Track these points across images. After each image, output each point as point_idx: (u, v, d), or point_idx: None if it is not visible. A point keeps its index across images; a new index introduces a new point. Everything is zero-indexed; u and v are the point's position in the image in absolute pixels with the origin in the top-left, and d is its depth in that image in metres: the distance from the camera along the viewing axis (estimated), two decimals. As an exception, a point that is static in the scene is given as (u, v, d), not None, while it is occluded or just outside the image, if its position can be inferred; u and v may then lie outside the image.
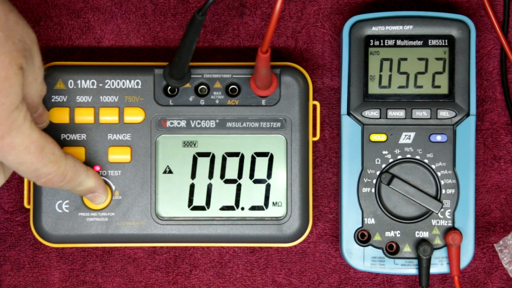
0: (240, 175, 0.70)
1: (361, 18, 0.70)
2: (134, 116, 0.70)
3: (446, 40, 0.70)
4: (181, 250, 0.74)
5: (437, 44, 0.70)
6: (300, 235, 0.71)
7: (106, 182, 0.70)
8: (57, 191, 0.70)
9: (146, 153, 0.70)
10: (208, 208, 0.70)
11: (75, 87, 0.70)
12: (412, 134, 0.70)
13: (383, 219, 0.70)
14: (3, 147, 0.55)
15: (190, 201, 0.70)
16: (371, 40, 0.70)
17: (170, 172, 0.70)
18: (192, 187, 0.70)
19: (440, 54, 0.70)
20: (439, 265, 0.70)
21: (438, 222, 0.70)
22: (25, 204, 0.70)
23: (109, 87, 0.70)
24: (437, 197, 0.70)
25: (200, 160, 0.70)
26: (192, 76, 0.70)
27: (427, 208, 0.70)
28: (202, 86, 0.70)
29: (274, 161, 0.70)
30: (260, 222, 0.70)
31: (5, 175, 0.64)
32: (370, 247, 0.70)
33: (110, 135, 0.70)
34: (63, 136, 0.70)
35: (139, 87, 0.70)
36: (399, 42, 0.70)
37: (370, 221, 0.70)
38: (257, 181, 0.70)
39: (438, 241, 0.70)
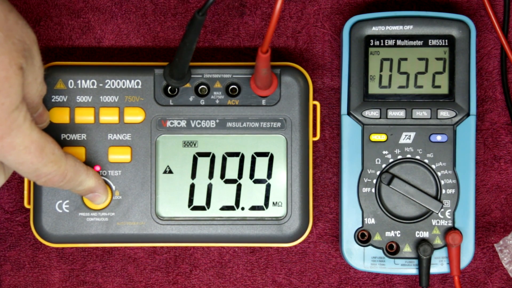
0: (240, 175, 0.70)
1: (361, 18, 0.70)
2: (134, 116, 0.70)
3: (446, 40, 0.70)
4: (181, 250, 0.74)
5: (437, 44, 0.70)
6: (300, 235, 0.71)
7: (106, 182, 0.70)
8: (57, 191, 0.70)
9: (146, 153, 0.70)
10: (208, 208, 0.70)
11: (75, 87, 0.70)
12: (412, 134, 0.70)
13: (383, 219, 0.70)
14: (3, 147, 0.55)
15: (190, 201, 0.70)
16: (371, 40, 0.70)
17: (170, 172, 0.70)
18: (192, 187, 0.70)
19: (440, 54, 0.70)
20: (439, 265, 0.70)
21: (438, 222, 0.70)
22: (25, 204, 0.70)
23: (109, 87, 0.70)
24: (437, 197, 0.70)
25: (200, 160, 0.70)
26: (192, 76, 0.70)
27: (427, 208, 0.70)
28: (202, 86, 0.70)
29: (274, 161, 0.70)
30: (260, 222, 0.70)
31: (6, 175, 0.64)
32: (370, 247, 0.70)
33: (110, 135, 0.70)
34: (63, 136, 0.70)
35: (139, 87, 0.70)
36: (399, 42, 0.70)
37: (370, 221, 0.70)
38: (257, 181, 0.70)
39: (438, 241, 0.70)
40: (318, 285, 0.74)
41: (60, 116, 0.69)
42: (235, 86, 0.70)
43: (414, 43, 0.70)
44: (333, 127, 0.74)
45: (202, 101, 0.70)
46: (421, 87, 0.70)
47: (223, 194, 0.70)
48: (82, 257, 0.74)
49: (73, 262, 0.74)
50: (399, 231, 0.70)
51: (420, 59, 0.70)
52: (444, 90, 0.70)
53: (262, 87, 0.69)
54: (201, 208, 0.70)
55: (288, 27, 0.74)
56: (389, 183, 0.70)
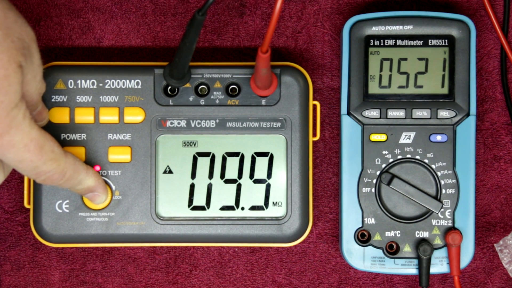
0: (240, 175, 0.70)
1: (361, 18, 0.70)
2: (134, 116, 0.70)
3: (446, 40, 0.70)
4: (181, 250, 0.74)
5: (437, 44, 0.70)
6: (300, 235, 0.71)
7: (106, 182, 0.70)
8: (57, 191, 0.70)
9: (146, 153, 0.70)
10: (208, 208, 0.70)
11: (75, 87, 0.70)
12: (412, 134, 0.70)
13: (383, 219, 0.70)
14: (3, 145, 0.55)
15: (190, 201, 0.70)
16: (371, 40, 0.70)
17: (170, 172, 0.70)
18: (192, 187, 0.70)
19: (440, 54, 0.70)
20: (439, 265, 0.70)
21: (438, 222, 0.70)
22: (25, 204, 0.70)
23: (109, 87, 0.70)
24: (437, 197, 0.70)
25: (200, 160, 0.70)
26: (192, 76, 0.70)
27: (427, 208, 0.70)
28: (202, 86, 0.70)
29: (274, 161, 0.70)
30: (260, 222, 0.70)
31: (5, 173, 0.64)
32: (370, 247, 0.70)
33: (110, 135, 0.70)
34: (63, 136, 0.70)
35: (139, 87, 0.70)
36: (399, 42, 0.70)
37: (370, 221, 0.70)
38: (257, 181, 0.70)
39: (438, 241, 0.70)
40: (318, 285, 0.74)
41: (60, 116, 0.69)
42: (235, 86, 0.70)
43: (414, 43, 0.70)
44: (333, 127, 0.74)
45: (202, 101, 0.70)
46: (421, 87, 0.70)
47: (223, 194, 0.70)
48: (82, 257, 0.74)
49: (73, 262, 0.74)
50: (399, 231, 0.70)
51: (420, 59, 0.70)
52: (444, 90, 0.70)
53: (262, 87, 0.69)
54: (201, 208, 0.70)
55: (288, 27, 0.74)
56: (389, 183, 0.70)
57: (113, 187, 0.70)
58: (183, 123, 0.70)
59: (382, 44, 0.70)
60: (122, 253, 0.74)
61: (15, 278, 0.74)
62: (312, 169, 0.71)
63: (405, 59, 0.70)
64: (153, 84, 0.70)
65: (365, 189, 0.70)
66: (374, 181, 0.70)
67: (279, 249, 0.74)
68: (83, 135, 0.70)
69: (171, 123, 0.70)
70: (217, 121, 0.70)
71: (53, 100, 0.69)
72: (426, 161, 0.70)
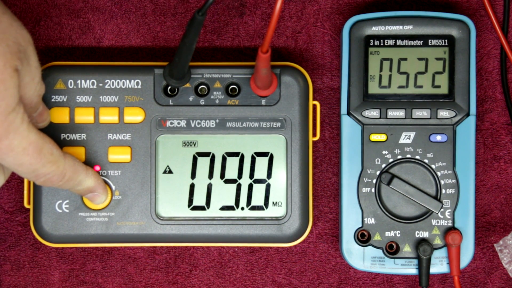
0: (240, 175, 0.70)
1: (361, 18, 0.70)
2: (134, 116, 0.70)
3: (446, 40, 0.70)
4: (181, 250, 0.74)
5: (437, 44, 0.70)
6: (300, 235, 0.71)
7: (106, 182, 0.70)
8: (57, 191, 0.70)
9: (146, 153, 0.70)
10: (208, 208, 0.70)
11: (75, 87, 0.70)
12: (412, 134, 0.70)
13: (383, 219, 0.70)
14: (1, 149, 0.55)
15: (190, 201, 0.70)
16: (371, 40, 0.70)
17: (170, 172, 0.70)
18: (192, 187, 0.70)
19: (440, 54, 0.70)
20: (439, 265, 0.70)
21: (438, 222, 0.70)
22: (25, 204, 0.70)
23: (109, 87, 0.70)
24: (437, 197, 0.70)
25: (200, 160, 0.70)
26: (192, 76, 0.70)
27: (427, 208, 0.70)
28: (202, 86, 0.70)
29: (274, 161, 0.70)
30: (260, 222, 0.70)
31: (5, 175, 0.64)
32: (370, 247, 0.70)
33: (110, 135, 0.70)
34: (63, 136, 0.70)
35: (139, 87, 0.70)
36: (399, 42, 0.70)
37: (370, 221, 0.70)
38: (257, 181, 0.70)
39: (438, 241, 0.70)
40: (318, 285, 0.74)
41: (60, 116, 0.69)
42: (235, 86, 0.70)
43: (414, 43, 0.70)
44: (333, 127, 0.74)
45: (202, 101, 0.70)
46: (421, 87, 0.70)
47: (223, 194, 0.70)
48: (82, 257, 0.74)
49: (73, 262, 0.74)
50: (399, 231, 0.70)
51: (420, 59, 0.70)
52: (444, 90, 0.70)
53: (262, 87, 0.69)
54: (201, 208, 0.70)
55: (288, 27, 0.74)
56: (389, 183, 0.70)
57: (113, 187, 0.70)
58: (183, 123, 0.70)
59: (382, 44, 0.70)
60: (122, 253, 0.74)
61: (15, 278, 0.74)
62: (312, 169, 0.71)
63: (405, 59, 0.70)
64: (153, 84, 0.70)
65: (365, 189, 0.70)
66: (374, 181, 0.70)
67: (279, 249, 0.74)
68: (83, 135, 0.70)
69: (171, 123, 0.70)
70: (217, 121, 0.70)
71: (53, 100, 0.69)
72: (426, 161, 0.70)
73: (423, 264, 0.70)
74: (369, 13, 0.70)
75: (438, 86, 0.70)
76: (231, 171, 0.70)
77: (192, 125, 0.70)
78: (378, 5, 0.74)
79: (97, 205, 0.70)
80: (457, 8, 0.74)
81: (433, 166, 0.70)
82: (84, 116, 0.70)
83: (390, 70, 0.70)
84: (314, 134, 0.72)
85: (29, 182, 0.71)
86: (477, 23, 0.74)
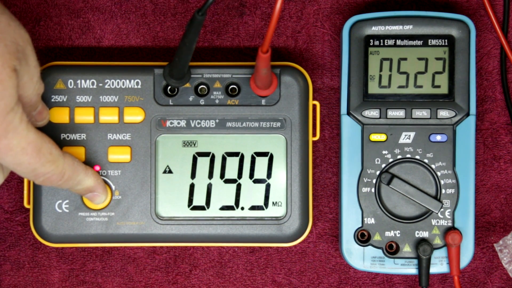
0: (240, 175, 0.70)
1: (361, 18, 0.70)
2: (134, 116, 0.70)
3: (446, 40, 0.70)
4: (181, 250, 0.74)
5: (437, 44, 0.70)
6: (300, 235, 0.71)
7: (106, 182, 0.70)
8: (57, 191, 0.70)
9: (146, 153, 0.70)
10: (208, 208, 0.70)
11: (75, 87, 0.70)
12: (412, 134, 0.70)
13: (383, 219, 0.70)
14: (0, 149, 0.55)
15: (190, 201, 0.70)
16: (371, 40, 0.70)
17: (170, 172, 0.70)
18: (192, 187, 0.70)
19: (440, 54, 0.70)
20: (439, 265, 0.70)
21: (438, 222, 0.70)
22: (25, 204, 0.70)
23: (109, 87, 0.70)
24: (437, 197, 0.70)
25: (200, 160, 0.70)
26: (192, 76, 0.70)
27: (427, 208, 0.70)
28: (202, 86, 0.70)
29: (274, 161, 0.70)
30: (260, 222, 0.70)
31: (4, 174, 0.64)
32: (370, 247, 0.70)
33: (110, 135, 0.70)
34: (63, 136, 0.70)
35: (139, 87, 0.70)
36: (399, 42, 0.70)
37: (370, 221, 0.70)
38: (257, 181, 0.70)
39: (438, 241, 0.70)
40: (318, 285, 0.74)
41: (60, 116, 0.69)
42: (235, 86, 0.70)
43: (414, 43, 0.70)
44: (333, 127, 0.74)
45: (202, 101, 0.70)
46: (421, 87, 0.70)
47: (223, 194, 0.70)
48: (82, 257, 0.74)
49: (73, 262, 0.74)
50: (398, 231, 0.70)
51: (419, 59, 0.70)
52: (444, 90, 0.70)
53: (262, 87, 0.69)
54: (201, 208, 0.70)
55: (288, 27, 0.74)
56: (389, 183, 0.70)
57: (113, 187, 0.70)
58: (183, 123, 0.70)
59: (382, 44, 0.70)
60: (122, 253, 0.74)
61: (15, 278, 0.74)
62: (312, 169, 0.71)
63: (405, 59, 0.70)
64: (153, 84, 0.70)
65: (365, 189, 0.70)
66: (374, 181, 0.70)
67: (279, 249, 0.74)
68: (83, 135, 0.70)
69: (171, 123, 0.70)
70: (217, 121, 0.70)
71: (52, 100, 0.69)
72: (426, 161, 0.70)
73: (423, 264, 0.70)
74: (369, 13, 0.70)
75: (438, 86, 0.70)
76: (231, 171, 0.70)
77: (192, 125, 0.70)
78: (378, 5, 0.74)
79: (97, 205, 0.70)
80: (457, 8, 0.74)
81: (433, 166, 0.70)
82: (84, 116, 0.70)
83: (390, 70, 0.70)
84: (314, 134, 0.72)
85: (29, 182, 0.71)
86: (477, 23, 0.74)
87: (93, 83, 0.70)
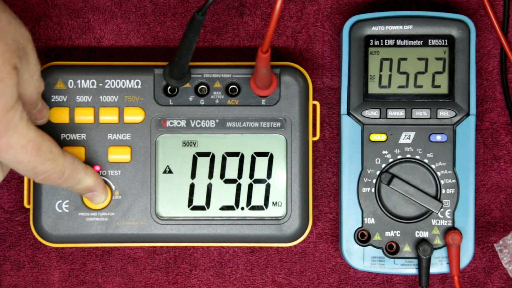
0: (240, 175, 0.70)
1: (361, 18, 0.70)
2: (134, 116, 0.70)
3: (446, 40, 0.70)
4: (181, 250, 0.74)
5: (437, 44, 0.70)
6: (300, 235, 0.71)
7: (106, 182, 0.70)
8: (57, 191, 0.70)
9: (146, 153, 0.70)
10: (208, 208, 0.70)
11: (75, 87, 0.70)
12: (412, 134, 0.70)
13: (383, 219, 0.70)
14: (0, 146, 0.56)
15: (190, 201, 0.70)
16: (371, 40, 0.70)
17: (170, 172, 0.70)
18: (192, 187, 0.70)
19: (440, 54, 0.70)
20: (439, 265, 0.70)
21: (438, 222, 0.70)
22: (25, 204, 0.70)
23: (109, 87, 0.70)
24: (437, 197, 0.70)
25: (200, 160, 0.70)
26: (192, 76, 0.70)
27: (427, 208, 0.70)
28: (202, 86, 0.70)
29: (274, 161, 0.70)
30: (260, 222, 0.70)
31: (4, 172, 0.64)
32: (370, 247, 0.70)
33: (110, 135, 0.70)
34: (63, 136, 0.70)
35: (139, 87, 0.70)
36: (399, 42, 0.70)
37: (370, 221, 0.70)
38: (257, 181, 0.70)
39: (438, 241, 0.70)
40: (318, 285, 0.74)
41: (60, 116, 0.69)
42: (235, 86, 0.70)
43: (414, 43, 0.70)
44: (333, 127, 0.74)
45: (202, 101, 0.70)
46: (421, 87, 0.70)
47: (223, 194, 0.70)
48: (82, 257, 0.74)
49: (73, 262, 0.74)
50: (398, 231, 0.70)
51: (420, 59, 0.70)
52: (444, 90, 0.70)
53: (262, 87, 0.69)
54: (201, 208, 0.70)
55: (288, 27, 0.74)
56: (389, 183, 0.70)
57: (113, 187, 0.70)
58: (183, 123, 0.70)
59: (382, 44, 0.70)
60: (122, 253, 0.74)
61: (15, 278, 0.74)
62: (312, 169, 0.71)
63: (405, 59, 0.70)
64: (153, 84, 0.70)
65: (365, 189, 0.70)
66: (374, 181, 0.70)
67: (279, 249, 0.74)
68: (83, 135, 0.70)
69: (171, 123, 0.70)
70: (217, 121, 0.70)
71: (53, 100, 0.69)
72: (426, 161, 0.70)
73: (423, 264, 0.70)
74: (369, 13, 0.70)
75: (438, 86, 0.70)
76: (231, 171, 0.70)
77: (192, 125, 0.70)
78: (378, 5, 0.74)
79: (97, 205, 0.70)
80: (457, 8, 0.74)
81: (433, 166, 0.70)
82: (84, 116, 0.70)
83: (390, 70, 0.70)
84: (314, 134, 0.72)
85: (29, 182, 0.71)
86: (477, 23, 0.74)
87: (93, 83, 0.70)
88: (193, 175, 0.70)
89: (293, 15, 0.74)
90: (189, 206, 0.70)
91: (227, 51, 0.74)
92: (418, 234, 0.70)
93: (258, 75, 0.66)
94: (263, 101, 0.70)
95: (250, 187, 0.70)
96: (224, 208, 0.70)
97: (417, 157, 0.70)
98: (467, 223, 0.70)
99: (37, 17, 0.74)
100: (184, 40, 0.62)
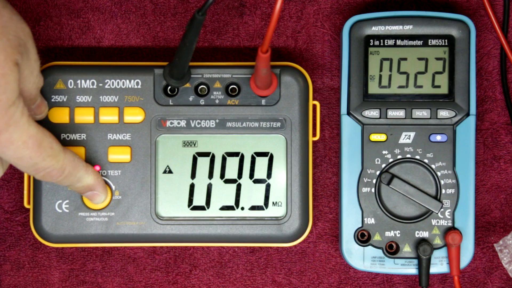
0: (240, 175, 0.70)
1: (361, 18, 0.70)
2: (134, 116, 0.70)
3: (446, 40, 0.70)
4: (181, 250, 0.74)
5: (437, 44, 0.70)
6: (300, 235, 0.71)
7: (106, 182, 0.70)
8: (57, 191, 0.70)
9: (146, 153, 0.70)
10: (208, 208, 0.70)
11: (75, 87, 0.70)
12: (412, 134, 0.70)
13: (383, 219, 0.70)
14: (1, 142, 0.56)
15: (190, 201, 0.70)
16: (371, 40, 0.70)
17: (170, 172, 0.70)
18: (192, 187, 0.70)
19: (440, 54, 0.70)
20: (439, 265, 0.70)
21: (438, 222, 0.70)
22: (25, 204, 0.70)
23: (109, 87, 0.70)
24: (437, 197, 0.70)
25: (200, 160, 0.70)
26: (192, 76, 0.70)
27: (427, 208, 0.70)
28: (202, 86, 0.70)
29: (274, 161, 0.70)
30: (260, 222, 0.70)
31: (3, 167, 0.64)
32: (370, 247, 0.70)
33: (110, 135, 0.70)
34: (63, 136, 0.70)
35: (139, 87, 0.70)
36: (399, 42, 0.70)
37: (370, 221, 0.70)
38: (257, 181, 0.70)
39: (438, 241, 0.70)
40: (318, 285, 0.74)
41: (60, 116, 0.69)
42: (235, 86, 0.70)
43: (414, 43, 0.70)
44: (333, 127, 0.74)
45: (202, 101, 0.70)
46: (421, 87, 0.70)
47: (223, 194, 0.70)
48: (82, 257, 0.74)
49: (73, 262, 0.74)
50: (399, 231, 0.70)
51: (420, 59, 0.70)
52: (444, 90, 0.70)
53: (262, 87, 0.69)
54: (201, 208, 0.70)
55: (288, 27, 0.74)
56: (389, 183, 0.70)
57: (113, 187, 0.70)
58: (183, 123, 0.70)
59: (382, 44, 0.70)
60: (122, 253, 0.74)
61: (15, 278, 0.74)
62: (312, 169, 0.71)
63: (405, 59, 0.70)
64: (153, 84, 0.70)
65: (365, 189, 0.70)
66: (374, 181, 0.70)
67: (279, 249, 0.74)
68: (83, 135, 0.70)
69: (171, 123, 0.70)
70: (217, 121, 0.70)
71: (53, 100, 0.69)
72: (426, 161, 0.70)
73: (423, 264, 0.70)
74: (369, 13, 0.70)
75: (438, 86, 0.70)
76: (231, 171, 0.70)
77: (192, 125, 0.70)
78: (378, 5, 0.74)
79: (97, 205, 0.70)
80: (457, 8, 0.74)
81: (433, 166, 0.70)
82: (84, 116, 0.70)
83: (390, 70, 0.70)
84: (314, 134, 0.72)
85: (29, 182, 0.71)
86: (477, 23, 0.74)
87: (93, 83, 0.70)
88: (193, 175, 0.70)
89: (293, 15, 0.74)
90: (189, 206, 0.70)
91: (227, 51, 0.74)
92: (418, 234, 0.70)
93: (258, 75, 0.66)
94: (263, 101, 0.70)
95: (250, 187, 0.70)
96: (224, 208, 0.70)
97: (417, 157, 0.70)
98: (467, 223, 0.70)
99: (37, 17, 0.74)
100: (184, 40, 0.62)
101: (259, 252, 0.74)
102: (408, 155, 0.70)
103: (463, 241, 0.70)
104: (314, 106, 0.73)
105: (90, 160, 0.70)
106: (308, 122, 0.70)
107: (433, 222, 0.70)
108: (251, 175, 0.70)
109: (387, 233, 0.70)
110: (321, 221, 0.74)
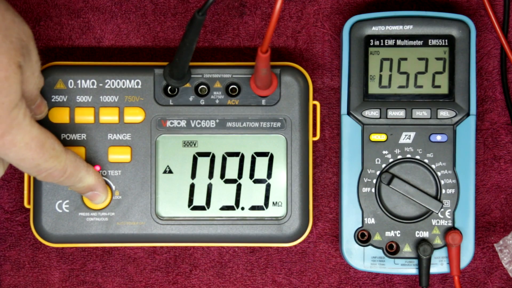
0: (240, 175, 0.70)
1: (361, 18, 0.70)
2: (134, 116, 0.70)
3: (446, 40, 0.70)
4: (181, 250, 0.74)
5: (437, 44, 0.70)
6: (300, 235, 0.71)
7: (106, 182, 0.70)
8: (57, 191, 0.70)
9: (146, 153, 0.70)
10: (208, 208, 0.70)
11: (75, 87, 0.70)
12: (412, 134, 0.70)
13: (383, 219, 0.70)
14: (4, 144, 0.56)
15: (190, 201, 0.70)
16: (371, 40, 0.70)
17: (170, 172, 0.70)
18: (192, 187, 0.70)
19: (440, 54, 0.70)
20: (439, 265, 0.70)
21: (438, 222, 0.70)
22: (25, 204, 0.70)
23: (109, 87, 0.70)
24: (437, 197, 0.70)
25: (200, 160, 0.70)
26: (192, 76, 0.70)
27: (427, 208, 0.70)
28: (202, 86, 0.70)
29: (274, 161, 0.70)
30: (260, 222, 0.70)
31: (4, 167, 0.64)
32: (370, 247, 0.70)
33: (110, 135, 0.70)
34: (63, 136, 0.70)
35: (139, 87, 0.70)
36: (399, 42, 0.70)
37: (370, 221, 0.70)
38: (257, 181, 0.70)
39: (438, 241, 0.70)
40: (318, 285, 0.74)
41: (60, 116, 0.69)
42: (235, 86, 0.70)
43: (414, 43, 0.70)
44: (333, 127, 0.74)
45: (202, 101, 0.70)
46: (421, 87, 0.70)
47: (223, 194, 0.70)
48: (82, 257, 0.74)
49: (73, 262, 0.74)
50: (399, 231, 0.70)
51: (420, 59, 0.70)
52: (444, 90, 0.70)
53: (262, 87, 0.69)
54: (201, 208, 0.70)
55: (288, 27, 0.74)
56: (389, 183, 0.70)
57: (113, 187, 0.70)
58: (183, 123, 0.70)
59: (382, 44, 0.70)
60: (122, 253, 0.74)
61: (15, 278, 0.74)
62: (312, 169, 0.71)
63: (405, 59, 0.70)
64: (153, 84, 0.70)
65: (365, 189, 0.70)
66: (374, 181, 0.70)
67: (279, 249, 0.74)
68: (83, 135, 0.70)
69: (171, 123, 0.70)
70: (217, 121, 0.70)
71: (53, 100, 0.69)
72: (426, 161, 0.70)
73: (423, 264, 0.70)
74: (369, 13, 0.70)
75: (438, 86, 0.70)
76: (231, 171, 0.70)
77: (192, 125, 0.70)
78: (378, 5, 0.74)
79: (97, 205, 0.70)
80: (457, 8, 0.74)
81: (433, 166, 0.70)
82: (84, 116, 0.70)
83: (390, 70, 0.70)
84: (314, 134, 0.72)
85: (29, 182, 0.71)
86: (477, 23, 0.74)
87: (93, 83, 0.70)
88: (193, 175, 0.70)
89: (293, 15, 0.74)
90: (189, 206, 0.70)
91: (227, 51, 0.74)
92: (418, 234, 0.70)
93: (258, 75, 0.66)
94: (263, 101, 0.70)
95: (250, 187, 0.70)
96: (224, 208, 0.70)
97: (417, 157, 0.70)
98: (467, 223, 0.70)
99: (37, 17, 0.74)
100: (184, 40, 0.62)
101: (259, 252, 0.74)
102: (408, 155, 0.70)
103: (463, 241, 0.70)
104: (314, 106, 0.73)
105: (90, 160, 0.70)
106: (308, 122, 0.70)
107: (433, 222, 0.70)
108: (251, 175, 0.70)
109: (387, 233, 0.70)
110: (321, 221, 0.74)
